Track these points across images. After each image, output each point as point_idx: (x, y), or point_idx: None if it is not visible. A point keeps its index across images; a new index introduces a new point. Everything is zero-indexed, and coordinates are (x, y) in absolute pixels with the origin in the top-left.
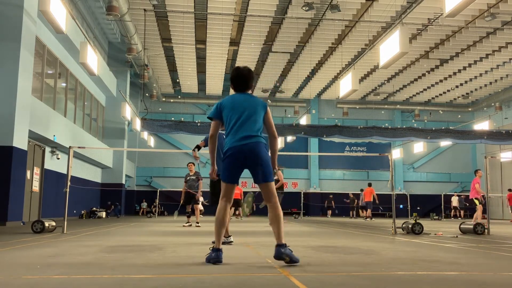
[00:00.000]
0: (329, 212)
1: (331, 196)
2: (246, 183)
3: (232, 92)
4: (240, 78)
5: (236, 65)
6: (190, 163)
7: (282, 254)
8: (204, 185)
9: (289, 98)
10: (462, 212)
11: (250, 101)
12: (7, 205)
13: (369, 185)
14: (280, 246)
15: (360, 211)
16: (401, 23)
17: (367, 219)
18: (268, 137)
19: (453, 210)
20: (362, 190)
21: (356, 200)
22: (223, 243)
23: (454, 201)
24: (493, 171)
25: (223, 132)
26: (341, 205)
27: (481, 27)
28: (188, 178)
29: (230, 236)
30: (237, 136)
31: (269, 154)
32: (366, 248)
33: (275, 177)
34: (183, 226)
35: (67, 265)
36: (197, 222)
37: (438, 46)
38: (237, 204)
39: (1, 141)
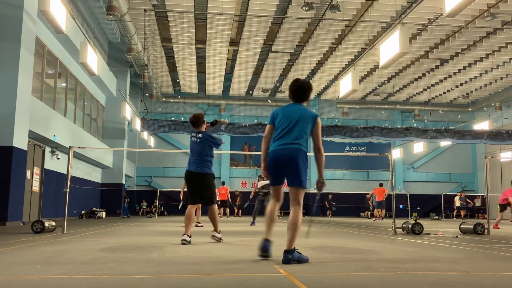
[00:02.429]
0: (329, 212)
1: (330, 196)
2: (246, 183)
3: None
4: (300, 91)
5: (237, 64)
6: None
7: (290, 260)
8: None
9: (289, 98)
10: (462, 212)
11: (302, 112)
12: (7, 205)
13: (381, 185)
14: (287, 252)
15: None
16: (401, 23)
17: (379, 219)
18: (314, 149)
19: (455, 210)
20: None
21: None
22: (214, 237)
23: (457, 202)
24: (493, 171)
25: (194, 136)
26: (340, 205)
27: (481, 27)
28: None
29: (220, 231)
30: (280, 141)
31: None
32: (366, 248)
33: (318, 186)
34: (182, 226)
35: (67, 265)
36: (198, 222)
37: (438, 46)
38: (223, 204)
39: (1, 141)
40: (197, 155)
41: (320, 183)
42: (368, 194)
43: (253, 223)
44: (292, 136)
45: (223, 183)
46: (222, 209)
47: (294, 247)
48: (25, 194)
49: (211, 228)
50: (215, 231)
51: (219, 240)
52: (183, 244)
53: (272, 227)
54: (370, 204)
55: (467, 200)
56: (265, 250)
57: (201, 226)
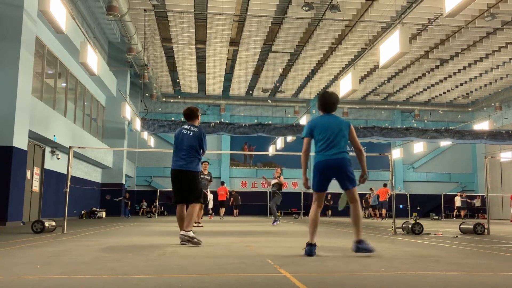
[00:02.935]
0: (329, 211)
1: (329, 196)
2: (246, 183)
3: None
4: (329, 103)
5: (237, 64)
6: (204, 162)
7: (360, 249)
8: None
9: (289, 98)
10: (462, 212)
11: (338, 122)
12: (7, 205)
13: (384, 185)
14: (358, 242)
15: (371, 210)
16: (401, 23)
17: (377, 219)
18: (355, 150)
19: (455, 210)
20: (371, 189)
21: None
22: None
23: (457, 201)
24: (493, 171)
25: (187, 129)
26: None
27: (481, 27)
28: (202, 177)
29: (199, 223)
30: (328, 152)
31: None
32: None
33: (357, 182)
34: (194, 226)
35: (67, 265)
36: (198, 222)
37: (438, 46)
38: (221, 204)
39: (1, 141)
40: (187, 150)
41: (364, 178)
42: (367, 194)
43: (275, 221)
44: (338, 145)
45: (222, 183)
46: (219, 209)
47: (363, 239)
48: (25, 194)
49: (211, 228)
50: (184, 230)
51: (190, 239)
52: (183, 243)
53: (316, 231)
54: (363, 203)
55: (468, 200)
56: (310, 255)
57: (201, 226)
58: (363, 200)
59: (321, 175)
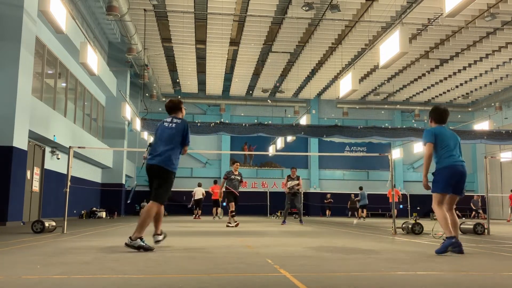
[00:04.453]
0: (328, 212)
1: (328, 195)
2: (246, 183)
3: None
4: (445, 116)
5: (237, 64)
6: (236, 162)
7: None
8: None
9: (289, 98)
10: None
11: (455, 135)
12: (7, 205)
13: (393, 186)
14: (450, 238)
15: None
16: (401, 23)
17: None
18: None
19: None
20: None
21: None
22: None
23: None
24: (493, 171)
25: (168, 121)
26: (340, 205)
27: (481, 27)
28: (233, 177)
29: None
30: (455, 158)
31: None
32: (366, 248)
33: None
34: (227, 226)
35: (67, 265)
36: (229, 222)
37: (438, 46)
38: (216, 204)
39: (1, 141)
40: (165, 144)
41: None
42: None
43: (284, 222)
44: (460, 154)
45: (215, 182)
46: (214, 209)
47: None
48: (25, 194)
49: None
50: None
51: (137, 248)
52: (156, 242)
53: (449, 226)
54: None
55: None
56: (458, 246)
57: (232, 226)
58: (349, 201)
59: (450, 178)
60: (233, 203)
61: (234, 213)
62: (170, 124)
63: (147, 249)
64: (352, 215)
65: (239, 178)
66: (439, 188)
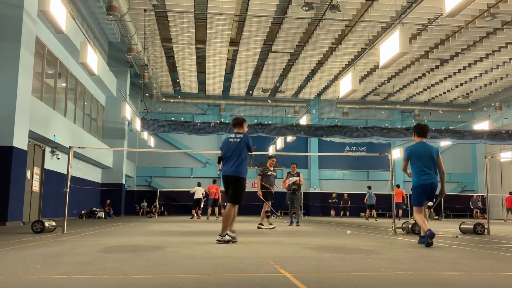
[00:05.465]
0: (333, 212)
1: (334, 194)
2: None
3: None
4: (425, 130)
5: (237, 64)
6: (272, 158)
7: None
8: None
9: (289, 98)
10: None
11: (430, 150)
12: (7, 205)
13: (397, 186)
14: (427, 231)
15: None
16: (401, 23)
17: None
18: (439, 172)
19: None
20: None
21: (348, 201)
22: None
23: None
24: (493, 171)
25: (232, 137)
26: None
27: (481, 27)
28: (269, 173)
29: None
30: (423, 176)
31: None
32: (366, 248)
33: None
34: (269, 228)
35: (67, 265)
36: (261, 224)
37: (438, 46)
38: (214, 203)
39: (1, 141)
40: (234, 155)
41: (443, 194)
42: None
43: (291, 222)
44: (432, 170)
45: (214, 182)
46: (210, 209)
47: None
48: (25, 194)
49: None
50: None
51: (226, 242)
52: (227, 242)
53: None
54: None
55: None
56: (431, 233)
57: (265, 228)
58: (341, 201)
59: (421, 194)
60: (270, 202)
61: (269, 214)
62: (235, 139)
63: (234, 241)
64: (344, 214)
65: (275, 174)
66: (416, 203)
